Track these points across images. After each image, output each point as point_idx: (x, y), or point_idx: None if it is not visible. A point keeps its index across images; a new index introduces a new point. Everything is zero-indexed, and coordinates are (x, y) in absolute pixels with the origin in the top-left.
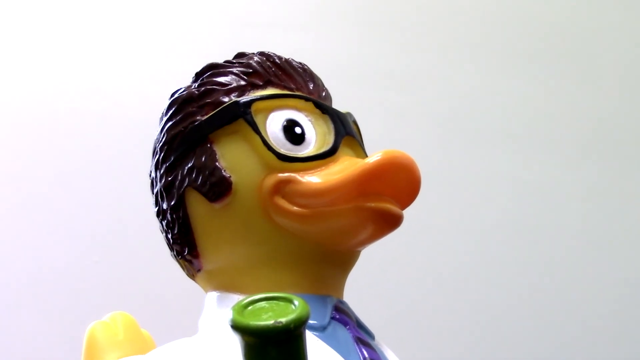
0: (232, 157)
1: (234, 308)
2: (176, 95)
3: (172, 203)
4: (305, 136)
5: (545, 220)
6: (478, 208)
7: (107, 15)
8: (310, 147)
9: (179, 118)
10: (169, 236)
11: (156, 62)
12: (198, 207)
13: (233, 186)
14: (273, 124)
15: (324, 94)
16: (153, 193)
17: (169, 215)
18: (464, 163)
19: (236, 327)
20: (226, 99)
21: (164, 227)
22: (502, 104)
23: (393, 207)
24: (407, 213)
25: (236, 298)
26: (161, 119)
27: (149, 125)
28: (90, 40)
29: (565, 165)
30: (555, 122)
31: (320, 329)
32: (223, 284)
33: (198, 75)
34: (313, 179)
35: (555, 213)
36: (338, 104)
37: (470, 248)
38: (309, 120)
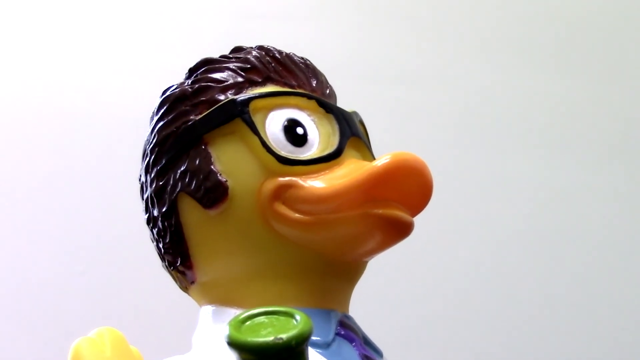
0: (229, 159)
1: (230, 323)
2: (168, 93)
3: (164, 209)
4: (308, 137)
5: (569, 228)
6: (496, 215)
7: (93, 5)
8: (313, 149)
9: (171, 118)
10: (160, 245)
11: (146, 57)
12: (191, 214)
13: (229, 191)
14: (273, 124)
15: (327, 91)
16: (143, 199)
17: (160, 223)
18: (480, 166)
19: (233, 343)
20: (222, 97)
21: (155, 235)
22: (522, 103)
23: (403, 214)
24: (418, 220)
25: (233, 312)
26: (151, 118)
27: (138, 126)
28: (72, 30)
29: (590, 168)
30: (579, 122)
31: (323, 346)
32: (218, 297)
33: (192, 71)
34: (316, 183)
35: (580, 220)
36: (343, 103)
37: (487, 258)
38: (312, 120)
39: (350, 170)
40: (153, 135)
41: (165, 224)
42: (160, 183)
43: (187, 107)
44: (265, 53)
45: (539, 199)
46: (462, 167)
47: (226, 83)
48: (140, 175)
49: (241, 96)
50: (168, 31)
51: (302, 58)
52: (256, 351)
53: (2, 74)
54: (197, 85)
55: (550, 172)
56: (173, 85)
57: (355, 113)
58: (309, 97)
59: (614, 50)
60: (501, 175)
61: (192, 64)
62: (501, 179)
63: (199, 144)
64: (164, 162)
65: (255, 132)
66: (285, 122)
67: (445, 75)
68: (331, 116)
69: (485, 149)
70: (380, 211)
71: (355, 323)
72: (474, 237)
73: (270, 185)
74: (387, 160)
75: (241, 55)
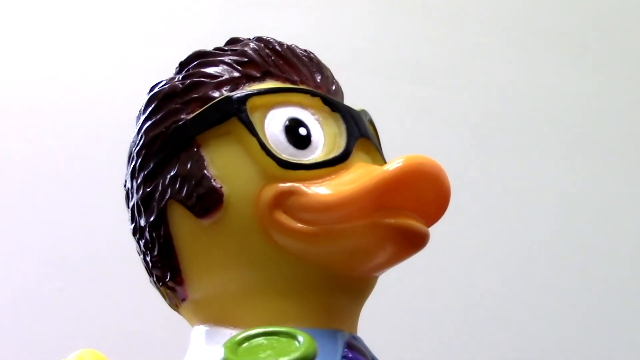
0: (224, 163)
1: (225, 345)
2: (156, 90)
3: (152, 219)
4: (312, 138)
5: (601, 240)
6: (520, 226)
7: None
8: (317, 152)
9: (160, 117)
10: (148, 258)
11: (131, 50)
12: (182, 223)
13: (224, 198)
14: (273, 124)
15: (333, 87)
16: (128, 207)
17: (147, 234)
18: (503, 171)
19: None
20: (216, 94)
21: (142, 247)
22: (549, 102)
23: (417, 224)
24: (434, 231)
25: (228, 333)
26: (138, 118)
27: (123, 126)
28: (49, 20)
29: (625, 176)
30: (612, 124)
31: None
32: (213, 315)
33: (183, 66)
34: (321, 190)
35: (614, 231)
36: (351, 100)
37: (511, 274)
38: (316, 120)
39: (358, 175)
40: (140, 136)
41: (154, 234)
42: (148, 189)
43: (178, 105)
44: (265, 45)
45: (568, 208)
46: (483, 172)
47: (221, 78)
48: (126, 181)
49: (237, 93)
50: (156, 21)
51: (306, 51)
52: None
53: None
54: (188, 81)
55: (581, 179)
56: (162, 81)
57: (364, 112)
58: (313, 94)
59: None
60: (526, 181)
61: (182, 57)
62: (526, 186)
63: (190, 146)
64: (151, 166)
65: (253, 132)
66: (287, 122)
67: (465, 71)
68: (337, 115)
69: (508, 153)
70: (392, 221)
71: (364, 345)
72: (495, 250)
73: (270, 191)
74: (400, 164)
75: (237, 47)
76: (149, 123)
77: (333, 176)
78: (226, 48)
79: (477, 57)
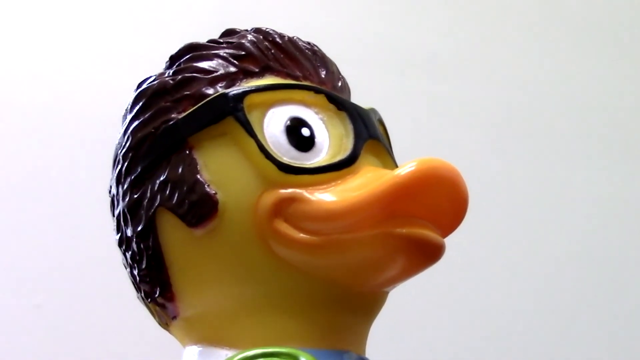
0: (219, 167)
1: None
2: (144, 86)
3: (139, 228)
4: (315, 140)
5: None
6: (547, 237)
7: None
8: (321, 155)
9: (148, 116)
10: (135, 272)
11: (117, 41)
12: (173, 233)
13: (219, 206)
14: (273, 124)
15: (339, 84)
16: (114, 215)
17: (134, 245)
18: (527, 175)
19: None
20: (210, 91)
21: (128, 260)
22: (579, 98)
23: (431, 234)
24: (451, 241)
25: (224, 354)
26: (124, 117)
27: (108, 127)
28: (24, 8)
29: None
30: None
31: None
32: (206, 335)
33: (173, 60)
34: (325, 196)
35: None
36: (359, 98)
37: (537, 290)
38: (320, 119)
39: (367, 181)
40: (126, 137)
41: (141, 246)
42: (135, 196)
43: (168, 103)
44: (264, 37)
45: (601, 216)
46: (505, 176)
47: (215, 74)
48: (111, 187)
49: (234, 90)
50: (144, 10)
51: (309, 43)
52: None
53: None
54: (179, 77)
55: (616, 183)
56: (151, 77)
57: (373, 110)
58: (317, 91)
59: None
60: (553, 187)
61: (173, 51)
62: (553, 192)
63: (182, 148)
64: (139, 170)
65: (251, 133)
66: (288, 122)
67: (484, 65)
68: (344, 114)
69: (533, 155)
70: (404, 230)
71: None
72: (519, 264)
73: (269, 198)
74: (413, 168)
75: (234, 39)
76: (136, 123)
77: (339, 181)
78: (221, 40)
79: (497, 49)
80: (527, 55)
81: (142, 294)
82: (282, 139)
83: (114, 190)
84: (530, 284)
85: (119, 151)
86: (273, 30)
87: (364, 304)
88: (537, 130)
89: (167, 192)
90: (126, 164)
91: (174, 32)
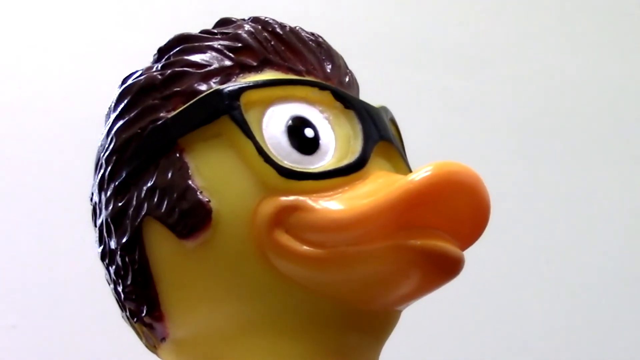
0: (212, 172)
1: None
2: (130, 82)
3: (124, 240)
4: (320, 142)
5: None
6: (578, 249)
7: None
8: (326, 158)
9: (134, 115)
10: (120, 288)
11: (99, 32)
12: (162, 245)
13: (213, 215)
14: (273, 124)
15: (347, 79)
16: (96, 225)
17: (119, 258)
18: (556, 182)
19: None
20: (203, 87)
21: (112, 275)
22: (614, 97)
23: (449, 247)
24: (471, 254)
25: None
26: (108, 116)
27: (89, 127)
28: None
29: None
30: None
31: None
32: (199, 358)
33: (162, 52)
34: (331, 204)
35: None
36: (368, 95)
37: (566, 307)
38: (325, 118)
39: (377, 187)
40: (109, 139)
41: (126, 259)
42: (120, 204)
43: (156, 101)
44: (263, 27)
45: (637, 224)
46: (530, 182)
47: (209, 68)
48: (92, 194)
49: (229, 86)
50: None
51: (313, 34)
52: None
53: None
54: (169, 71)
55: None
56: (137, 72)
57: (384, 109)
58: (322, 87)
59: None
60: (585, 194)
61: (162, 42)
62: (585, 200)
63: (171, 151)
64: (124, 175)
65: (249, 134)
66: (290, 122)
67: (509, 59)
68: (352, 113)
69: (563, 160)
70: (419, 242)
71: None
72: (547, 277)
73: (269, 206)
74: (428, 173)
75: (229, 30)
76: (120, 123)
77: (346, 188)
78: (215, 31)
79: (525, 41)
80: (558, 48)
81: (127, 313)
82: (283, 140)
83: (96, 198)
84: (559, 303)
85: (102, 154)
86: (273, 20)
87: (374, 324)
88: (567, 131)
89: (155, 199)
90: (109, 168)
91: (163, 22)
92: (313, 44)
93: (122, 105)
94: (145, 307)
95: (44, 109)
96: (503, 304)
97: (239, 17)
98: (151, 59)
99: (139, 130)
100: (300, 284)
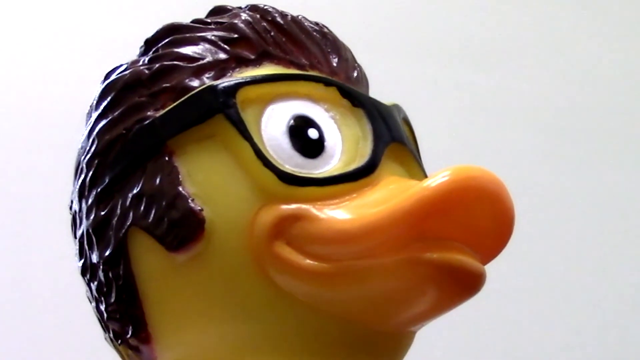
0: (205, 178)
1: None
2: (113, 77)
3: (107, 253)
4: (325, 143)
5: None
6: (614, 264)
7: None
8: (333, 162)
9: (119, 114)
10: (102, 307)
11: (80, 21)
12: (149, 259)
13: (206, 226)
14: (272, 124)
15: (355, 74)
16: (76, 237)
17: (101, 273)
18: (589, 188)
19: None
20: (195, 83)
21: (94, 292)
22: None
23: (469, 260)
24: (493, 269)
25: None
26: (89, 115)
27: (69, 128)
28: None
29: None
30: None
31: None
32: None
33: (150, 44)
34: (338, 213)
35: None
36: (379, 91)
37: (600, 326)
38: (331, 118)
39: (389, 194)
40: (91, 140)
41: (110, 274)
42: (102, 213)
43: (143, 98)
44: (261, 16)
45: None
46: (560, 188)
47: (201, 62)
48: (72, 202)
49: (224, 81)
50: None
51: (317, 24)
52: None
53: None
54: (157, 65)
55: None
56: (121, 65)
57: (397, 107)
58: (327, 83)
59: None
60: (619, 201)
61: (149, 33)
62: (619, 207)
63: (160, 154)
64: (107, 181)
65: (246, 135)
66: (292, 121)
67: (536, 52)
68: (361, 112)
69: (596, 163)
70: (435, 256)
71: None
72: (579, 294)
73: (269, 216)
74: (446, 179)
75: (224, 19)
76: (103, 122)
77: (354, 195)
78: (209, 20)
79: (551, 33)
80: (589, 39)
81: (111, 335)
82: (284, 142)
83: (75, 206)
84: (591, 318)
85: (82, 157)
86: (273, 8)
87: (385, 347)
88: (600, 132)
89: (142, 208)
90: (91, 173)
91: (151, 10)
92: (317, 35)
93: (104, 103)
94: (130, 327)
95: (17, 106)
96: (527, 325)
97: (235, 4)
98: (137, 51)
99: (124, 131)
100: (303, 301)
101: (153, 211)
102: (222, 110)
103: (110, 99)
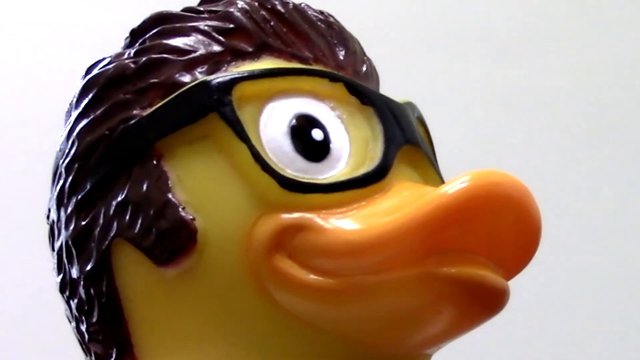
0: (197, 183)
1: None
2: (95, 72)
3: (89, 268)
4: (331, 145)
5: None
6: None
7: None
8: (339, 166)
9: (101, 113)
10: (83, 327)
11: (58, 11)
12: (135, 274)
13: (199, 237)
14: (272, 124)
15: (364, 68)
16: (54, 249)
17: (82, 290)
18: (625, 194)
19: None
20: (186, 78)
21: (74, 310)
22: None
23: (491, 275)
24: (517, 285)
25: None
26: (68, 114)
27: (46, 128)
28: None
29: None
30: None
31: None
32: None
33: (136, 35)
34: (345, 223)
35: None
36: (391, 88)
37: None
38: (338, 117)
39: (402, 202)
40: (71, 142)
41: (92, 291)
42: (83, 223)
43: (128, 95)
44: (260, 4)
45: None
46: (594, 196)
47: (193, 55)
48: (50, 210)
49: (219, 76)
50: None
51: (322, 13)
52: None
53: None
54: (144, 59)
55: None
56: (104, 59)
57: (410, 105)
58: (333, 79)
59: None
60: None
61: (135, 23)
62: None
63: (147, 157)
64: (88, 187)
65: (243, 136)
66: (294, 121)
67: (563, 44)
68: (370, 110)
69: (633, 167)
70: (453, 270)
71: None
72: (612, 311)
73: (268, 226)
74: (465, 185)
75: (219, 7)
76: (84, 122)
77: (363, 203)
78: (202, 9)
79: (584, 24)
80: (626, 31)
81: (93, 357)
82: (285, 144)
83: (54, 215)
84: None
85: (61, 161)
86: None
87: None
88: (635, 132)
89: (127, 217)
90: (70, 178)
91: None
92: (322, 25)
93: (86, 101)
94: (114, 350)
95: None
96: (555, 347)
97: None
98: (122, 43)
99: (107, 132)
100: (306, 321)
101: (139, 221)
102: (216, 108)
103: (92, 96)
